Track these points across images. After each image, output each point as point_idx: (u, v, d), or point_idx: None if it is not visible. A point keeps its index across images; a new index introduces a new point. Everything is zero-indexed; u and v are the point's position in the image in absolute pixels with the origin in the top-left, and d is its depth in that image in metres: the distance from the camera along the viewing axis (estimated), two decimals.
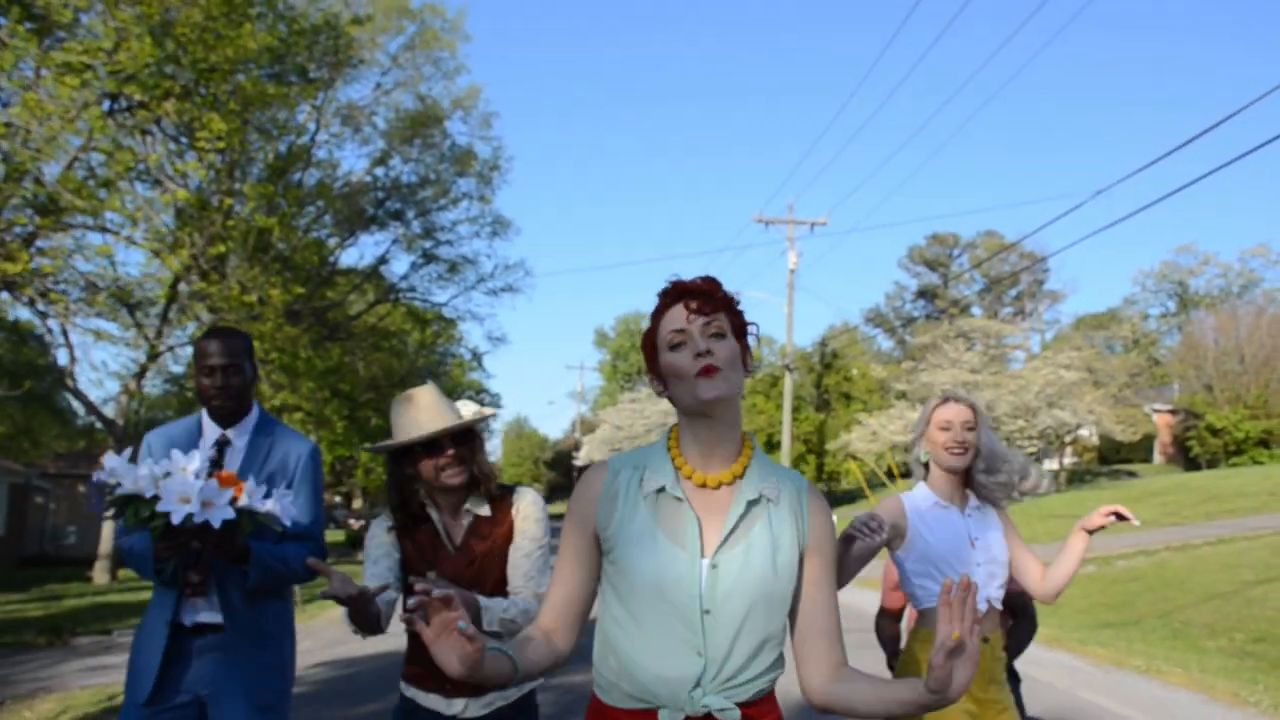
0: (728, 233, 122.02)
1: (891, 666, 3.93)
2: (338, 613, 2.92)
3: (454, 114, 29.80)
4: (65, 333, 20.38)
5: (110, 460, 2.54)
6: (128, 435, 22.95)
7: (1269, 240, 72.65)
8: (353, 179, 28.33)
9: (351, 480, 49.11)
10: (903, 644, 3.88)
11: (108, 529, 23.26)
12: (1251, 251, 51.38)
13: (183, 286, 15.91)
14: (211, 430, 3.16)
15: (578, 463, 60.72)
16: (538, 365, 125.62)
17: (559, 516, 2.82)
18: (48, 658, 10.24)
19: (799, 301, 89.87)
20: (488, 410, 2.86)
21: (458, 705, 2.72)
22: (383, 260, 30.93)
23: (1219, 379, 38.84)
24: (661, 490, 1.84)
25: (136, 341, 20.89)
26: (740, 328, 1.88)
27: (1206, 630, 10.53)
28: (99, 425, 39.54)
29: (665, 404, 39.45)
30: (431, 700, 2.74)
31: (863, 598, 11.57)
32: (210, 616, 3.03)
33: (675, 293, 1.86)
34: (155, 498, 2.49)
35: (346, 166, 29.17)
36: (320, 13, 22.95)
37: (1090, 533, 3.10)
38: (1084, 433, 36.93)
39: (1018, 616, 3.84)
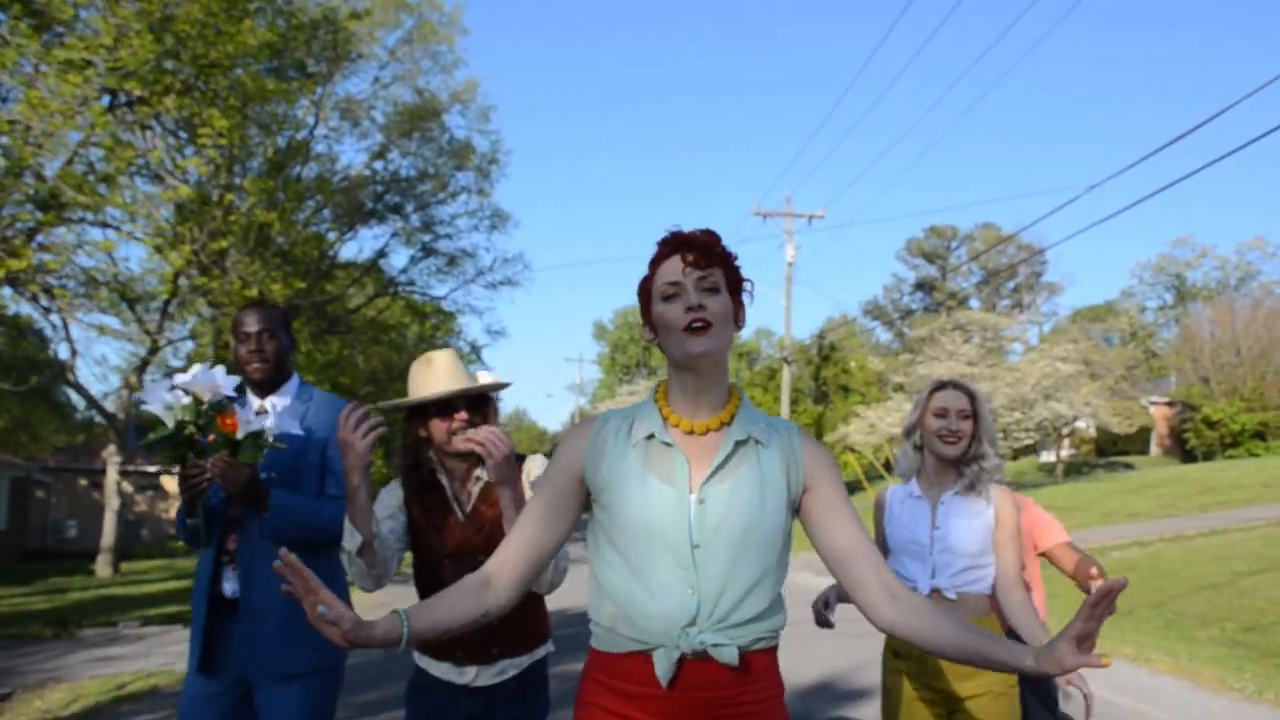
0: (726, 226, 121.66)
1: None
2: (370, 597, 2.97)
3: (452, 108, 29.86)
4: (66, 327, 20.50)
5: (145, 389, 2.68)
6: (129, 429, 23.09)
7: (1266, 233, 72.78)
8: (351, 173, 28.40)
9: None
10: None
11: (109, 523, 23.41)
12: (1248, 244, 51.64)
13: (183, 281, 16.01)
14: (252, 400, 3.15)
15: None
16: (536, 358, 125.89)
17: None
18: (55, 649, 10.32)
19: (797, 294, 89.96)
20: (504, 380, 2.86)
21: (469, 673, 2.73)
22: (382, 254, 31.03)
23: (1215, 371, 38.97)
24: (650, 437, 1.86)
25: (140, 337, 21.03)
26: (736, 283, 1.89)
27: (1198, 620, 10.65)
28: (98, 419, 39.74)
29: None
30: (443, 669, 2.75)
31: None
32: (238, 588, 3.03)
33: (674, 243, 1.87)
34: (185, 406, 2.65)
35: (345, 160, 29.20)
36: (318, 7, 23.03)
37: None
38: (1081, 425, 37.10)
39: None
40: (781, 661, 1.92)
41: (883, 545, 3.16)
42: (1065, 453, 40.00)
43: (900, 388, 36.76)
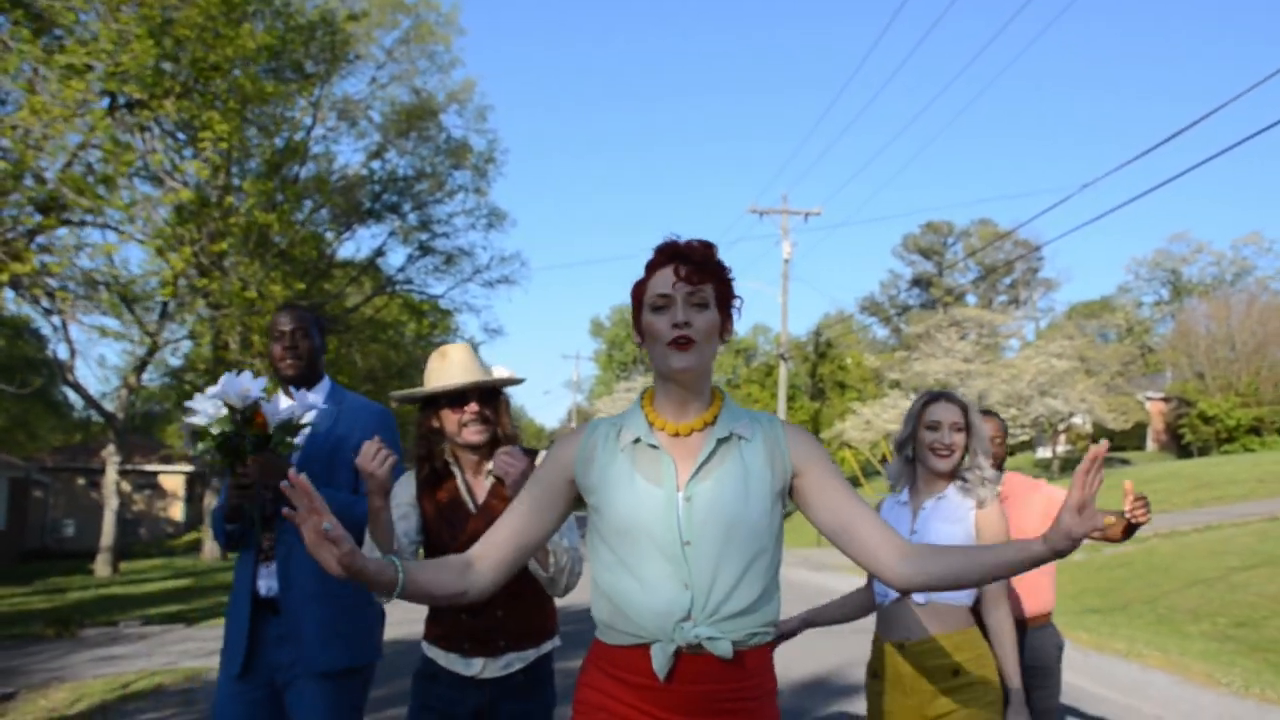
0: (722, 223, 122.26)
1: None
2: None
3: (449, 107, 29.96)
4: (65, 328, 20.57)
5: (194, 401, 2.76)
6: (128, 428, 23.19)
7: (1261, 228, 72.85)
8: (349, 172, 28.48)
9: None
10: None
11: (108, 522, 23.49)
12: (1244, 239, 51.63)
13: (182, 282, 16.09)
14: (279, 397, 3.18)
15: None
16: (533, 355, 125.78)
17: None
18: (57, 649, 10.39)
19: (794, 291, 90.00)
20: (518, 376, 2.91)
21: (476, 665, 2.75)
22: (379, 253, 31.13)
23: (1211, 367, 39.04)
24: (637, 441, 1.92)
25: (143, 339, 21.10)
26: (726, 297, 1.93)
27: (1190, 615, 10.74)
28: (96, 419, 39.76)
29: None
30: (451, 660, 2.77)
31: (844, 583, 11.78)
32: (276, 586, 3.06)
33: (669, 254, 1.90)
34: (232, 411, 2.71)
35: (343, 160, 29.32)
36: (316, 8, 23.09)
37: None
38: (1077, 421, 37.18)
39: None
40: (775, 657, 1.99)
41: None
42: (1061, 449, 40.06)
43: (896, 384, 36.86)
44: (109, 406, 24.15)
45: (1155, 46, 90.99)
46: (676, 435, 1.92)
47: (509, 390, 2.94)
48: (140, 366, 23.79)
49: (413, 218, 30.80)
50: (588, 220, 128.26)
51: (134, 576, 22.00)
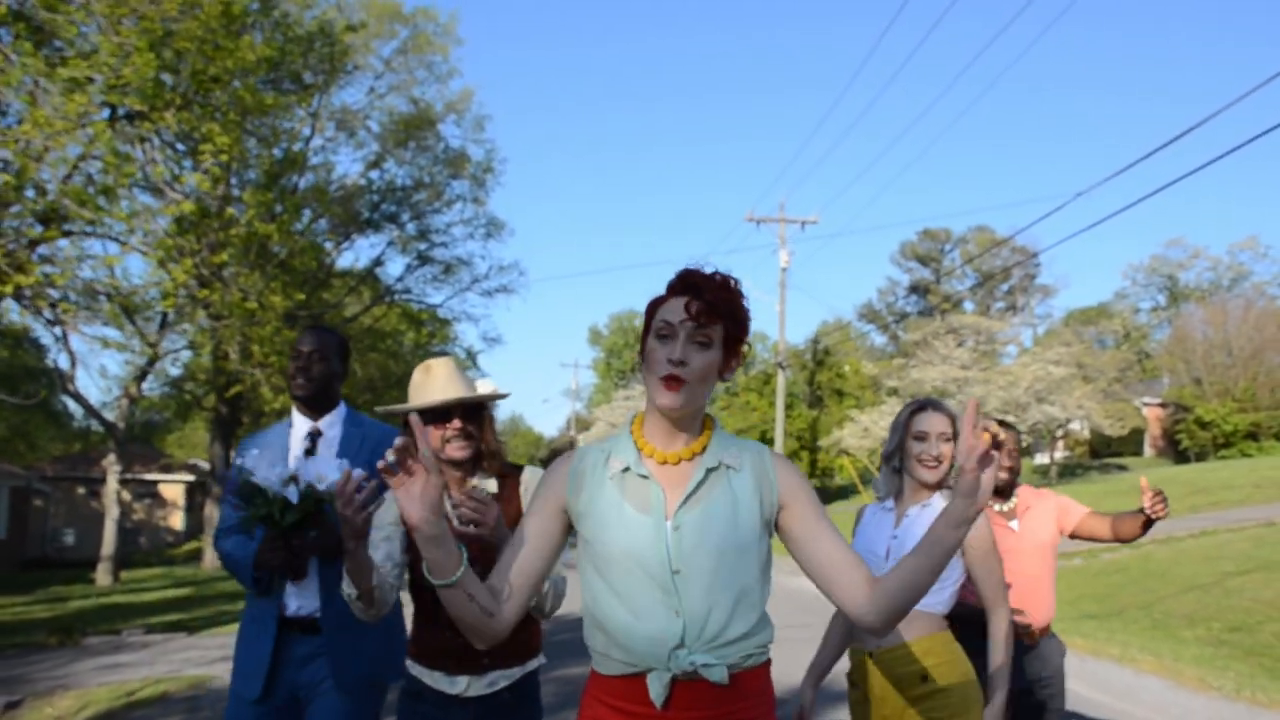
0: (720, 230, 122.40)
1: None
2: None
3: (447, 117, 30.13)
4: (66, 338, 20.65)
5: (253, 454, 2.78)
6: (128, 438, 23.27)
7: (1258, 234, 73.23)
8: (347, 182, 28.61)
9: None
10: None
11: (109, 531, 23.55)
12: (1240, 245, 51.91)
13: (182, 293, 16.19)
14: (300, 422, 3.23)
15: None
16: (532, 364, 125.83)
17: None
18: (60, 657, 10.44)
19: (791, 299, 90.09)
20: (502, 391, 2.86)
21: (460, 684, 2.73)
22: (378, 262, 31.25)
23: (1208, 373, 39.17)
24: (627, 470, 1.91)
25: (145, 349, 21.20)
26: (735, 338, 1.90)
27: (1186, 620, 10.81)
28: (95, 428, 39.77)
29: None
30: (435, 678, 2.75)
31: None
32: (308, 604, 3.06)
33: (684, 286, 1.88)
34: (277, 495, 2.69)
35: (341, 170, 29.41)
36: (314, 20, 23.24)
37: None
38: (1075, 427, 37.30)
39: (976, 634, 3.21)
40: (773, 664, 2.00)
41: None
42: (1059, 455, 40.19)
43: (894, 391, 36.93)
44: (109, 416, 24.22)
45: (1152, 50, 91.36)
46: (665, 463, 1.92)
47: (500, 401, 2.91)
48: (141, 376, 23.89)
49: (411, 227, 30.94)
50: (585, 229, 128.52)
51: (135, 585, 22.05)
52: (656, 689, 1.82)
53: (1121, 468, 38.57)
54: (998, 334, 36.97)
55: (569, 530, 1.99)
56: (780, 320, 30.59)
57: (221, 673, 8.37)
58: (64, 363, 21.94)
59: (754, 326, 1.93)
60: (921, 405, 3.06)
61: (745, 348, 1.95)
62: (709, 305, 1.84)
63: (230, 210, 17.33)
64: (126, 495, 26.42)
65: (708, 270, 1.90)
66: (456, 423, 2.71)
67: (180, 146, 19.60)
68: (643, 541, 1.85)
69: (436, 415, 2.71)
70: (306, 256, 22.26)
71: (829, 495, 39.82)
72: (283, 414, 22.07)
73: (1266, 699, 6.83)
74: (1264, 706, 6.69)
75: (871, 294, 74.14)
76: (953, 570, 2.89)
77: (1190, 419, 38.20)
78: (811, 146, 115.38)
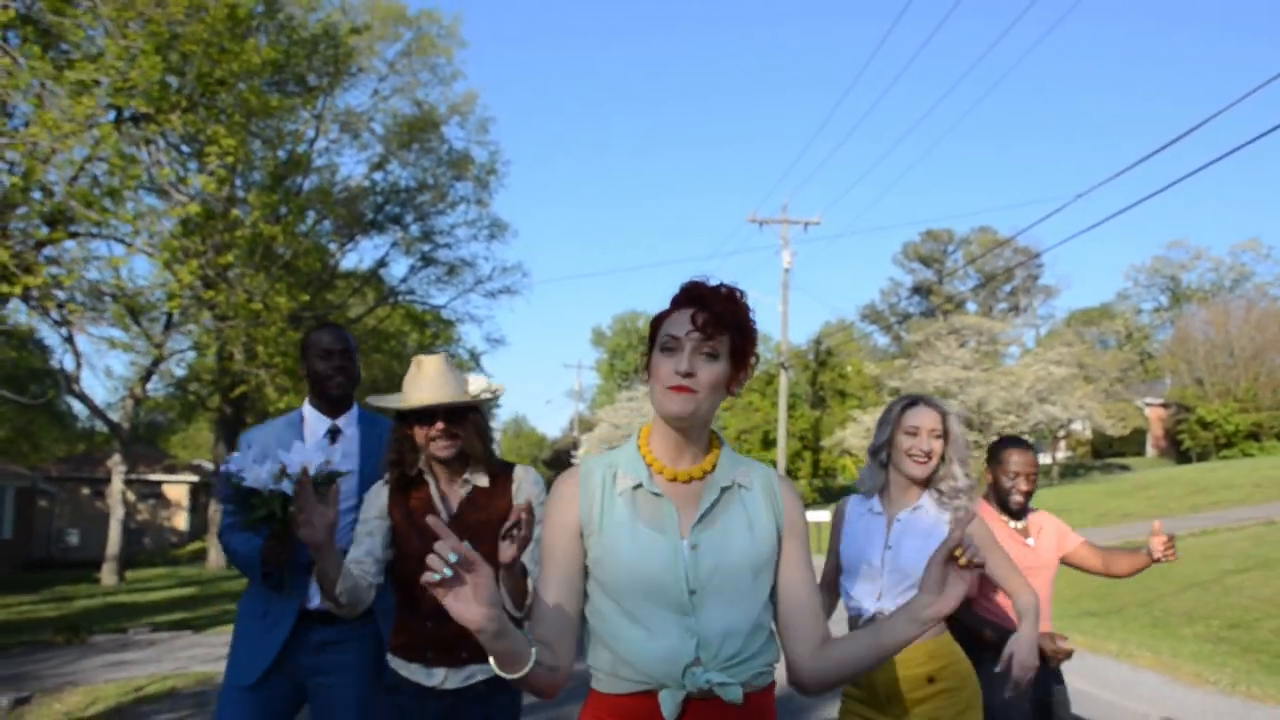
0: (723, 231, 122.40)
1: None
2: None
3: (451, 119, 30.22)
4: (71, 339, 20.76)
5: (235, 457, 2.69)
6: (133, 438, 23.38)
7: (1260, 234, 73.20)
8: (351, 184, 28.71)
9: None
10: None
11: (114, 531, 23.66)
12: (1242, 246, 51.99)
13: (187, 294, 16.30)
14: (316, 420, 3.24)
15: (575, 462, 60.85)
16: (535, 365, 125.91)
17: None
18: (68, 655, 10.51)
19: (794, 300, 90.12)
20: (486, 395, 2.82)
21: (438, 676, 2.73)
22: (382, 264, 31.35)
23: (1209, 373, 39.22)
24: (638, 487, 1.86)
25: (151, 350, 21.31)
26: (743, 350, 1.87)
27: (1185, 618, 10.87)
28: (99, 429, 39.87)
29: None
30: (413, 670, 2.75)
31: None
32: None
33: (689, 298, 1.84)
34: (273, 493, 2.61)
35: (345, 172, 29.56)
36: (318, 22, 23.35)
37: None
38: (1077, 427, 37.34)
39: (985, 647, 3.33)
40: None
41: (835, 559, 3.10)
42: (1062, 455, 40.24)
43: (896, 392, 36.91)
44: (114, 417, 24.34)
45: (1154, 51, 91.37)
46: (675, 480, 1.87)
47: (503, 401, 2.92)
48: (145, 377, 24.01)
49: (415, 229, 31.01)
50: (589, 231, 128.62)
51: (140, 585, 22.14)
52: (669, 706, 1.76)
53: (1124, 468, 38.61)
54: (1000, 335, 37.00)
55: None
56: (783, 321, 30.66)
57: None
58: (69, 364, 22.05)
59: (757, 328, 1.90)
60: (913, 400, 3.04)
61: (753, 359, 1.90)
62: (715, 317, 1.80)
63: (235, 212, 17.41)
64: (131, 496, 26.54)
65: (713, 283, 1.86)
66: (440, 424, 2.71)
67: (186, 149, 19.74)
68: (658, 561, 1.80)
69: (421, 415, 2.72)
70: (311, 258, 22.37)
71: (831, 495, 39.83)
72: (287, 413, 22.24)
73: (1261, 693, 6.91)
74: (1259, 700, 6.77)
75: (874, 295, 74.19)
76: (912, 577, 2.88)
77: (1192, 419, 38.25)
78: (814, 148, 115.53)
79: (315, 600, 3.09)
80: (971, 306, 59.78)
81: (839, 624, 2.56)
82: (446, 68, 29.44)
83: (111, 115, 14.99)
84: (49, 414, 37.25)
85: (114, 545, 23.52)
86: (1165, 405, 42.27)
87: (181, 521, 38.33)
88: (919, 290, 64.16)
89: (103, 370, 51.25)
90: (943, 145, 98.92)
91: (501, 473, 2.84)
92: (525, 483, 2.82)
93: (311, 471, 2.50)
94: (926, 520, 2.92)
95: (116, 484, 23.87)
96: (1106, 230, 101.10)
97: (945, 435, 2.95)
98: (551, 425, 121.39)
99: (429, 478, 2.80)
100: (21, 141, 11.98)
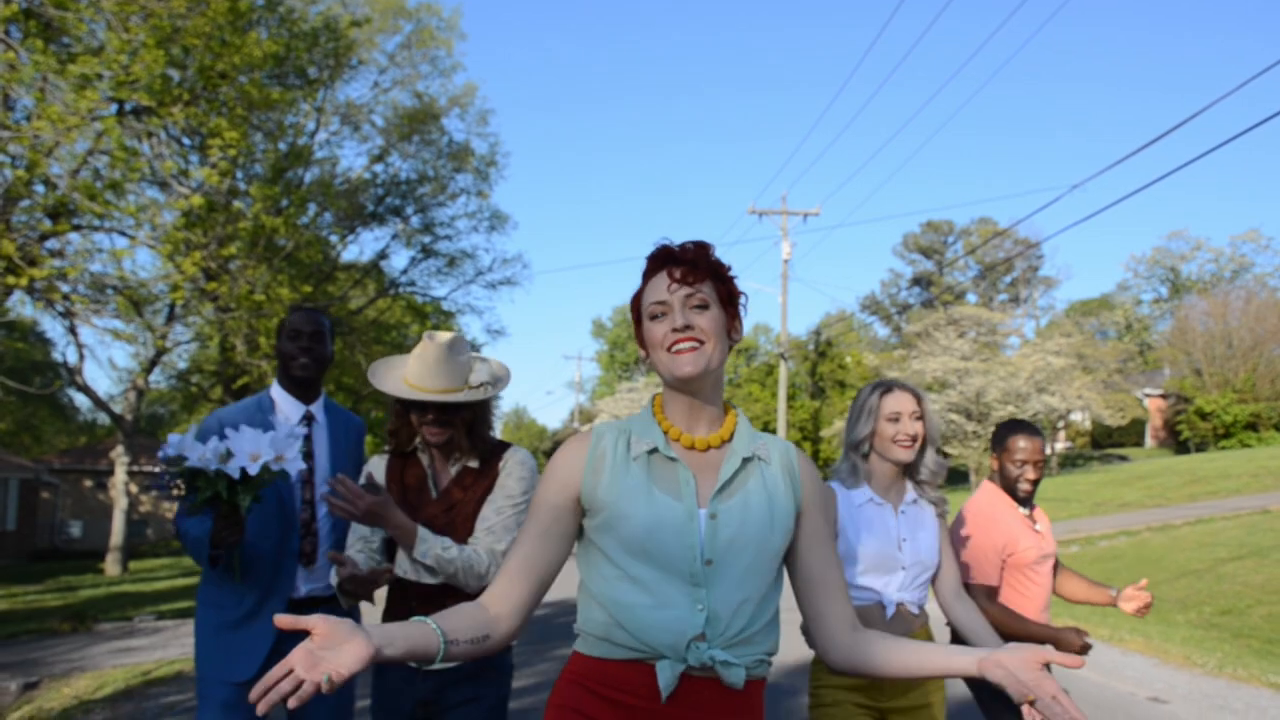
0: (723, 224, 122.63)
1: None
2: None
3: (451, 111, 30.26)
4: (75, 331, 20.87)
5: (175, 437, 2.61)
6: (135, 430, 23.50)
7: (1260, 225, 73.18)
8: (352, 176, 28.79)
9: None
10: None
11: (118, 522, 23.83)
12: (1242, 237, 51.90)
13: (189, 286, 16.41)
14: (288, 404, 3.19)
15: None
16: (536, 356, 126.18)
17: None
18: (74, 642, 10.66)
19: (794, 291, 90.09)
20: (480, 392, 2.81)
21: None
22: (382, 255, 31.46)
23: (1208, 364, 39.29)
24: (654, 451, 1.81)
25: (157, 341, 21.44)
26: (729, 295, 1.83)
27: (1178, 605, 10.99)
28: (101, 421, 40.04)
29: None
30: None
31: None
32: (319, 586, 3.10)
33: (661, 259, 1.81)
34: (218, 473, 2.56)
35: (346, 164, 29.60)
36: (319, 15, 23.43)
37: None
38: (1076, 418, 37.45)
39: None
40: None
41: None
42: (1061, 445, 40.33)
43: None
44: (117, 408, 24.48)
45: (1152, 41, 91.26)
46: (692, 448, 1.82)
47: (504, 389, 2.93)
48: (148, 368, 24.15)
49: (415, 220, 31.13)
50: (589, 223, 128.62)
51: (143, 575, 22.33)
52: (667, 678, 1.71)
53: (1122, 458, 38.71)
54: (1000, 325, 37.06)
55: (581, 519, 1.85)
56: (783, 312, 30.79)
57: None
58: (72, 356, 22.20)
59: (756, 318, 1.87)
60: (888, 386, 2.98)
61: (742, 303, 1.87)
62: (691, 264, 1.78)
63: (237, 204, 17.52)
64: (134, 487, 26.68)
65: (675, 244, 1.84)
66: (430, 415, 2.75)
67: (188, 141, 19.83)
68: (673, 528, 1.73)
69: (415, 403, 2.77)
70: (312, 250, 22.46)
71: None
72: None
73: (1247, 674, 7.03)
74: (1243, 681, 6.90)
75: (874, 285, 74.25)
76: (931, 571, 2.94)
77: (1191, 410, 38.33)
78: (813, 139, 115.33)
79: (304, 589, 3.09)
80: (971, 297, 59.89)
81: None
82: (446, 60, 29.55)
83: (114, 109, 15.08)
84: (52, 406, 37.41)
85: (117, 536, 23.69)
86: (1164, 396, 42.38)
87: None
88: (919, 281, 64.21)
89: (106, 362, 51.42)
90: (942, 136, 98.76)
91: (493, 453, 2.87)
92: (511, 462, 2.84)
93: (255, 469, 2.53)
94: (923, 513, 2.96)
95: (119, 475, 24.03)
96: (1106, 222, 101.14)
97: (924, 417, 2.92)
98: (552, 417, 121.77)
99: (423, 455, 2.86)
100: (25, 135, 12.07)
